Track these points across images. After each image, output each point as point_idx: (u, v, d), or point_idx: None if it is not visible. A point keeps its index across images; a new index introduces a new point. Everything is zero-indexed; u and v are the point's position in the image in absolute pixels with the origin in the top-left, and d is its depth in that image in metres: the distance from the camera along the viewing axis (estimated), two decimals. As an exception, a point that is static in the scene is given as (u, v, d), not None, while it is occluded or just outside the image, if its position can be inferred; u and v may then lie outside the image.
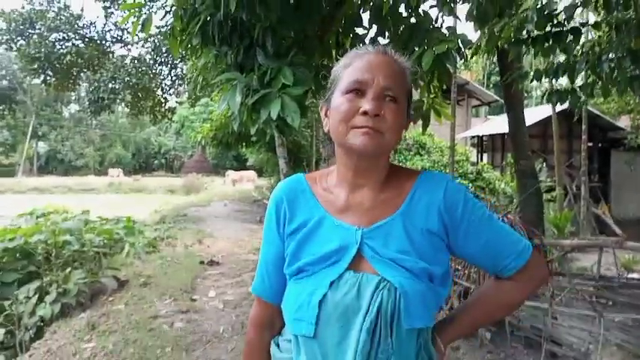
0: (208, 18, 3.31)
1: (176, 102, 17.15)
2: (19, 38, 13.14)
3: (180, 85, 14.58)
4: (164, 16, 4.02)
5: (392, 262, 0.94)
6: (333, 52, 3.87)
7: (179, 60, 12.72)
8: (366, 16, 3.68)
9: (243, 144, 13.40)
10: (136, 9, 3.83)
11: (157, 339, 3.48)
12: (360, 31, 3.81)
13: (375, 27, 3.60)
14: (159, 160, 48.41)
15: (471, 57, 3.87)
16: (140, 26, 3.87)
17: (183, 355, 3.27)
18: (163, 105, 15.17)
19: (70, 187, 31.58)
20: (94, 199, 23.78)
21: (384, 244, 0.96)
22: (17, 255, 4.65)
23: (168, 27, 4.12)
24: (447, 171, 10.52)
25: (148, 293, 4.53)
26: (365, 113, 0.94)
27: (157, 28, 11.36)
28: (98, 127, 45.41)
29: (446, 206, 0.99)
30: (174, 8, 3.82)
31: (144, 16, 3.90)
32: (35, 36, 12.70)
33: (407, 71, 1.03)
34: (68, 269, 4.46)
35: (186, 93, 15.94)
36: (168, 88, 14.60)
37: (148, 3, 7.58)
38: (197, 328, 3.74)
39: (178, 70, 13.97)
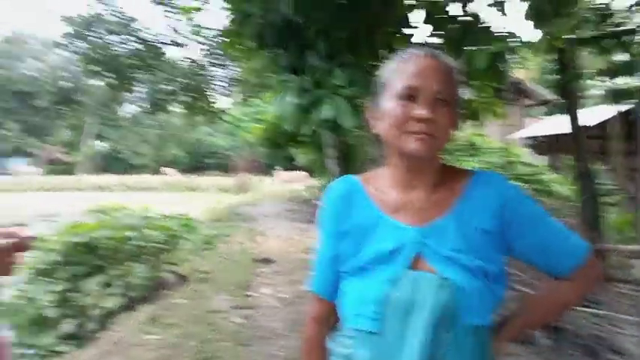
0: (262, 21, 3.42)
1: (229, 103, 17.56)
2: (81, 41, 13.85)
3: (233, 86, 14.94)
4: (221, 20, 4.16)
5: (449, 260, 0.97)
6: (382, 53, 3.90)
7: (232, 61, 13.03)
8: (414, 17, 3.68)
9: (294, 144, 13.57)
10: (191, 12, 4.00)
11: (216, 333, 3.62)
12: (409, 31, 3.81)
13: (424, 27, 3.61)
14: (212, 160, 49.60)
15: (531, 56, 3.80)
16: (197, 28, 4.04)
17: (240, 350, 3.39)
18: (217, 105, 15.61)
19: (128, 185, 32.97)
20: (150, 197, 24.73)
21: (439, 242, 0.99)
22: (84, 249, 4.94)
23: (224, 30, 4.25)
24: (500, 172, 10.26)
25: (206, 288, 4.71)
26: (420, 120, 0.97)
27: (211, 30, 11.69)
28: (155, 127, 47.07)
29: (500, 205, 1.01)
30: (229, 12, 3.97)
31: (201, 20, 4.06)
32: (95, 39, 13.36)
33: (455, 72, 1.05)
34: (131, 264, 4.70)
35: (238, 94, 16.32)
36: (221, 89, 15.01)
37: (203, 7, 7.82)
38: (253, 324, 3.86)
39: (231, 71, 14.32)
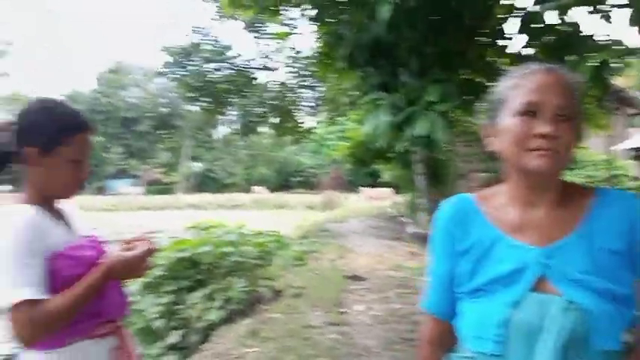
0: (355, 42, 3.51)
1: (315, 122, 18.00)
2: (179, 69, 14.95)
3: (319, 106, 15.34)
4: (310, 43, 4.33)
5: (576, 283, 0.94)
6: (476, 66, 3.83)
7: (320, 83, 13.41)
8: (509, 27, 3.59)
9: (379, 161, 13.59)
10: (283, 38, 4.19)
11: (312, 348, 3.68)
12: (503, 42, 3.72)
13: (518, 37, 3.50)
14: (298, 178, 50.78)
15: (634, 63, 3.56)
16: (292, 53, 4.22)
17: (336, 366, 3.43)
18: (304, 125, 16.08)
19: (221, 203, 34.58)
20: (241, 215, 25.75)
21: (565, 263, 0.96)
22: (187, 264, 5.25)
23: (314, 52, 4.40)
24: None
25: (300, 304, 4.81)
26: (542, 136, 0.95)
27: (299, 53, 12.14)
28: (245, 147, 49.18)
29: (630, 225, 0.97)
30: (322, 35, 4.12)
31: (293, 44, 4.25)
32: (193, 67, 14.36)
33: (575, 86, 1.02)
34: (230, 278, 4.93)
35: (324, 113, 16.70)
36: (308, 110, 15.47)
37: (294, 32, 8.17)
38: (348, 341, 3.88)
39: (318, 92, 14.73)
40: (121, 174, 49.21)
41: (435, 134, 2.99)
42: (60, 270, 1.27)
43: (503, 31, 3.60)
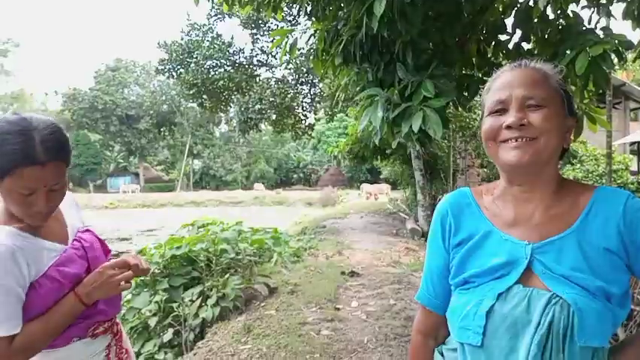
0: (350, 38, 3.47)
1: (314, 118, 18.00)
2: (178, 67, 14.90)
3: (318, 102, 15.32)
4: (308, 39, 4.28)
5: (565, 279, 0.93)
6: (474, 61, 3.79)
7: (318, 79, 13.38)
8: (510, 21, 3.55)
9: (378, 157, 13.58)
10: (283, 35, 4.16)
11: (306, 345, 3.66)
12: (502, 37, 3.68)
13: (518, 32, 3.46)
14: (297, 175, 50.87)
15: (634, 61, 3.53)
16: (288, 50, 4.20)
17: (330, 363, 3.40)
18: (303, 122, 16.06)
19: (220, 200, 34.72)
20: (241, 211, 25.81)
21: (556, 260, 0.95)
22: (182, 262, 5.23)
23: (311, 49, 4.37)
24: (603, 181, 9.52)
25: (296, 300, 4.79)
26: (508, 127, 0.97)
27: (299, 50, 12.11)
28: (245, 144, 49.25)
29: (626, 224, 0.95)
30: (318, 31, 4.08)
31: (290, 41, 4.22)
32: (192, 64, 14.31)
33: (549, 74, 1.02)
34: (226, 275, 4.90)
35: (323, 110, 16.70)
36: (307, 106, 15.44)
37: (295, 28, 8.12)
38: (342, 337, 3.86)
39: (317, 88, 14.71)
40: (122, 172, 49.29)
41: (430, 130, 2.96)
42: (43, 294, 1.25)
43: (505, 25, 3.56)
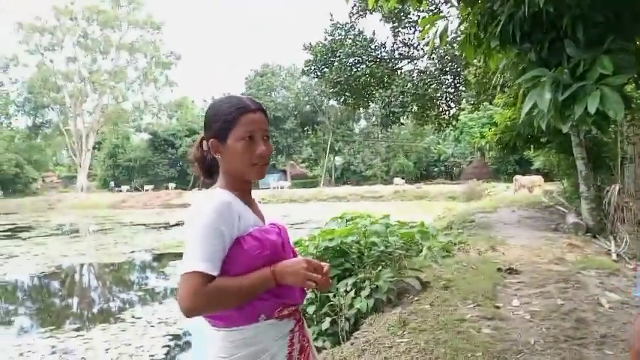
0: (508, 18, 3.24)
1: (459, 108, 17.29)
2: (322, 66, 15.37)
3: (463, 91, 14.68)
4: (460, 24, 4.11)
5: None
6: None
7: (462, 67, 12.82)
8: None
9: (531, 146, 12.58)
10: (432, 23, 4.03)
11: (466, 342, 3.52)
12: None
13: None
14: (438, 168, 49.50)
15: None
16: (438, 38, 4.07)
17: (494, 362, 3.23)
18: (447, 112, 15.54)
19: (361, 194, 35.31)
20: (382, 206, 25.93)
21: None
22: (336, 253, 5.37)
23: (459, 35, 4.19)
24: None
25: (450, 296, 4.64)
26: None
27: (443, 38, 11.73)
28: (383, 139, 49.32)
29: None
30: (470, 14, 3.88)
31: (441, 28, 4.08)
32: (336, 63, 14.65)
33: None
34: (378, 268, 4.93)
35: (465, 99, 15.96)
36: (451, 96, 14.90)
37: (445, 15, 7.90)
38: (505, 337, 3.64)
39: (461, 77, 14.11)
40: (271, 169, 52.70)
41: (610, 112, 2.64)
42: (246, 250, 1.36)
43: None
